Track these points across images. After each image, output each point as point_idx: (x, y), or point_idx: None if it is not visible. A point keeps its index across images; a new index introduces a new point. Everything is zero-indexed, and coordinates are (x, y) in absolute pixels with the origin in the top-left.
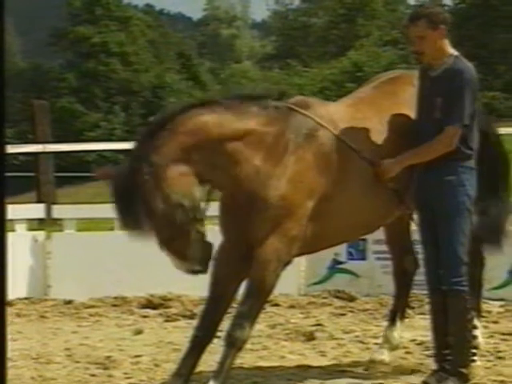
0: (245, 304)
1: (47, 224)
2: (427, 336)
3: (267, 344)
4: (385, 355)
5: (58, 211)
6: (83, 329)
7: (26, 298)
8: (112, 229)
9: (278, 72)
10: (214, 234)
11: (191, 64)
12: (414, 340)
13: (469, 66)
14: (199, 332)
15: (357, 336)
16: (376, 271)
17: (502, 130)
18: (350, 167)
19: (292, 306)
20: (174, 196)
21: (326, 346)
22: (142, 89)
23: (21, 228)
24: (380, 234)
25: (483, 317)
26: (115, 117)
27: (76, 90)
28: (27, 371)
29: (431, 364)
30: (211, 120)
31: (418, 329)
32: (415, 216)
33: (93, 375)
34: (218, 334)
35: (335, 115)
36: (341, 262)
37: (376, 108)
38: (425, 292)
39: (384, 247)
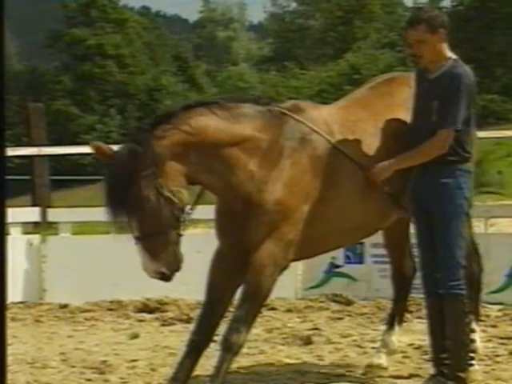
0: (241, 308)
1: (42, 227)
2: (425, 340)
3: (264, 348)
4: (383, 359)
5: (54, 214)
6: (79, 333)
7: (21, 302)
8: (108, 232)
9: (275, 74)
10: (209, 238)
11: (187, 66)
12: (411, 344)
13: (467, 71)
14: (196, 336)
15: (354, 340)
16: (374, 275)
17: (500, 133)
18: (344, 171)
19: (289, 310)
20: (167, 192)
21: (323, 350)
22: (137, 91)
23: (16, 231)
24: (377, 237)
25: (481, 321)
26: (111, 119)
27: (71, 93)
28: (22, 376)
29: (429, 368)
30: (212, 124)
31: (416, 333)
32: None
33: (88, 380)
34: (215, 338)
35: (328, 118)
36: (338, 266)
37: (371, 110)
38: (422, 296)
39: (382, 250)
